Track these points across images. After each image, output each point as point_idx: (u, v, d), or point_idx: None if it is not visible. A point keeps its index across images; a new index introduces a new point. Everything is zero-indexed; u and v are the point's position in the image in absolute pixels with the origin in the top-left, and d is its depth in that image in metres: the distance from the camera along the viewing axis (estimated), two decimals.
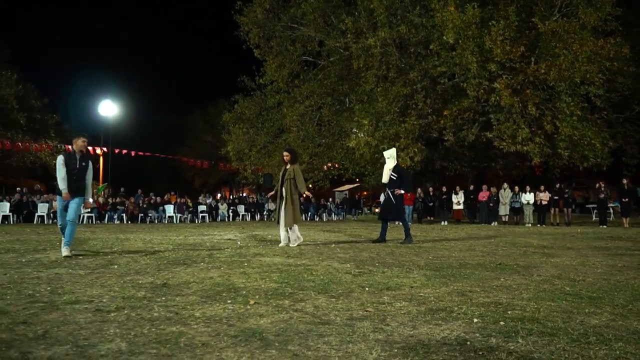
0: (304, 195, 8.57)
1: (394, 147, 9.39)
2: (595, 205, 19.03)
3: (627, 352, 2.37)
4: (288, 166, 8.29)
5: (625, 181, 16.65)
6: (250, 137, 23.54)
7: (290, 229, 8.14)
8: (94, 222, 19.09)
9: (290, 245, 8.13)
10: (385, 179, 9.11)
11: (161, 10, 77.74)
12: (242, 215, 24.16)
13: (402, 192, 9.03)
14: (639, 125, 20.80)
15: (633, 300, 3.66)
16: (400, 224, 10.27)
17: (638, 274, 4.98)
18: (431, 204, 20.19)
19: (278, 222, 8.29)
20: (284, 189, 8.15)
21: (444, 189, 20.56)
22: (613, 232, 12.53)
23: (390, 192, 8.97)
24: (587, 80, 16.54)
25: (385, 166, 9.15)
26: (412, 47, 20.15)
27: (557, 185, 17.89)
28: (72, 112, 44.08)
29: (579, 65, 16.16)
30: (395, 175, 9.00)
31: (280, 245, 8.17)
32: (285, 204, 8.09)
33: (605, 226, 15.99)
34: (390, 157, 9.10)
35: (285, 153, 8.46)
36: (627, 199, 16.26)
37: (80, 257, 6.33)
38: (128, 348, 2.42)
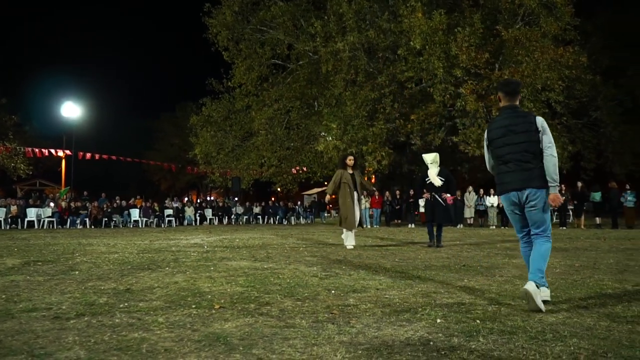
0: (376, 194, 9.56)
1: (435, 152, 9.55)
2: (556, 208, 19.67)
3: (581, 348, 2.46)
4: (351, 171, 8.71)
5: (579, 184, 17.40)
6: (218, 140, 23.33)
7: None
8: (54, 227, 18.51)
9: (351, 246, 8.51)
10: (437, 183, 9.00)
11: (128, 11, 76.35)
12: (210, 219, 23.87)
13: (449, 195, 9.07)
14: (596, 131, 21.65)
15: (588, 298, 3.80)
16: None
17: (593, 273, 5.17)
18: (398, 207, 20.42)
19: (351, 228, 8.52)
20: (356, 193, 8.58)
21: (412, 192, 20.85)
22: (572, 234, 12.96)
23: (438, 195, 8.88)
24: (548, 86, 17.13)
25: (431, 171, 9.00)
26: (380, 52, 20.39)
27: None
28: (32, 113, 42.73)
29: (540, 72, 16.71)
30: (443, 179, 8.97)
31: (350, 248, 8.42)
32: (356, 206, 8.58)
33: (564, 228, 16.53)
34: (434, 162, 9.01)
35: (351, 157, 8.93)
36: (576, 202, 17.18)
37: (40, 263, 6.13)
38: (87, 356, 2.35)
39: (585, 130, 21.56)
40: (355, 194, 8.56)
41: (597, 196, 17.74)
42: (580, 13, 18.46)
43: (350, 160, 8.77)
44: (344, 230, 8.60)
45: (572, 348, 2.46)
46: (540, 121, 3.57)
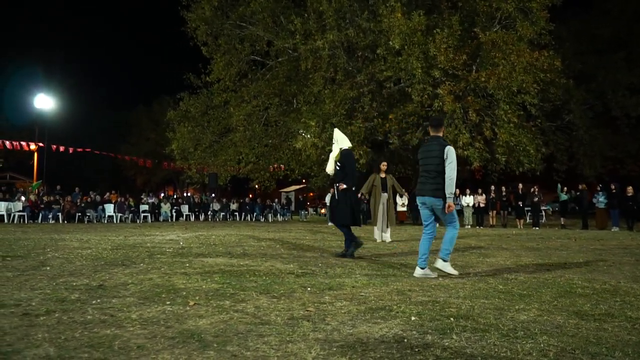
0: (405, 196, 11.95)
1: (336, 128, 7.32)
2: (529, 208, 20.03)
3: (550, 345, 2.52)
4: (383, 175, 9.85)
5: (520, 186, 18.38)
6: (195, 135, 23.05)
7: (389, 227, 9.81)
8: (26, 222, 18.05)
9: (387, 241, 9.63)
10: (329, 169, 6.96)
11: (106, 2, 74.86)
12: (186, 215, 23.61)
13: (344, 186, 6.61)
14: (569, 133, 22.17)
15: (558, 296, 3.89)
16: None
17: (564, 273, 5.29)
18: None
19: (375, 224, 9.80)
20: (385, 195, 9.70)
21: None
22: (544, 234, 13.25)
23: (336, 186, 6.74)
24: (523, 89, 17.41)
25: (331, 153, 6.93)
26: (359, 51, 20.45)
27: (492, 188, 18.73)
28: (3, 105, 41.56)
29: (516, 75, 16.97)
30: (339, 165, 6.73)
31: (378, 241, 9.59)
32: (388, 208, 9.73)
33: (537, 228, 16.88)
34: (335, 141, 6.89)
35: (385, 163, 10.08)
36: (520, 203, 18.21)
37: (9, 259, 5.97)
38: (57, 353, 2.31)
39: (559, 133, 22.04)
40: (385, 195, 9.66)
41: (563, 195, 18.23)
42: (555, 19, 18.82)
43: (384, 166, 9.89)
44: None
45: (542, 345, 2.52)
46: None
